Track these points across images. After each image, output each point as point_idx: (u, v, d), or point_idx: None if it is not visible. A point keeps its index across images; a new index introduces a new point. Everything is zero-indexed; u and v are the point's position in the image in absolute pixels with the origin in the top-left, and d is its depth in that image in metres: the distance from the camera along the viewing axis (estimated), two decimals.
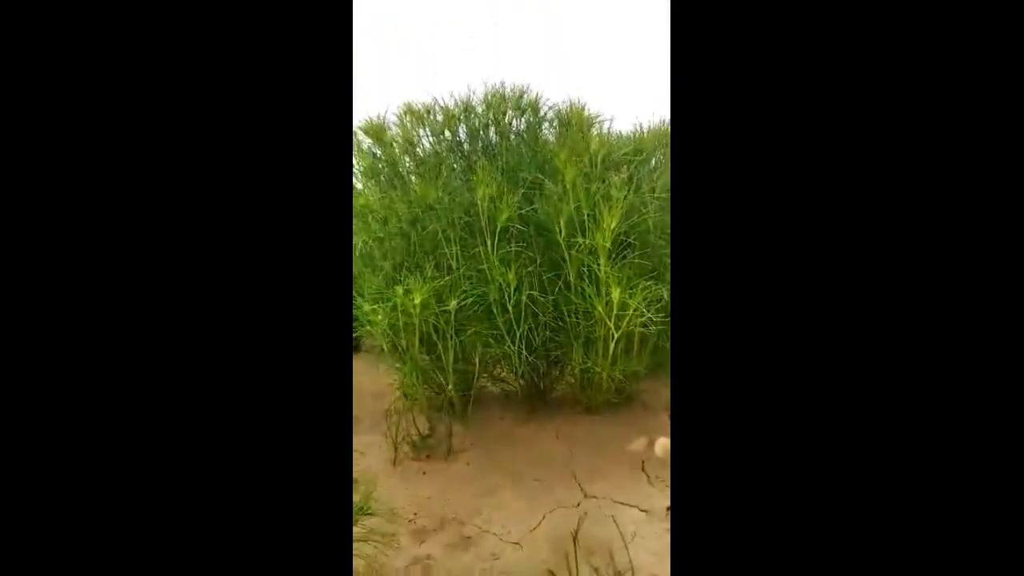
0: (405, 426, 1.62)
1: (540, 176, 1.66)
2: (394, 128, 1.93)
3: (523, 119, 1.89)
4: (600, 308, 1.52)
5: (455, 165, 1.85)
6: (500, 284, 1.55)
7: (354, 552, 1.07)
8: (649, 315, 1.48)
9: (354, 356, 2.24)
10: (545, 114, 1.91)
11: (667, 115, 1.85)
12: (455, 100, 1.89)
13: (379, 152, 1.92)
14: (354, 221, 1.65)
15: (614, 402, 1.74)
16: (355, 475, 1.44)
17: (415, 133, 1.90)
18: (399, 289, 1.48)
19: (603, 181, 1.68)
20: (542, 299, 1.57)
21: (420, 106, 1.93)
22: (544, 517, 1.29)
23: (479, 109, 1.88)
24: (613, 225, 1.54)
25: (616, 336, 1.54)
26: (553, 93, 1.92)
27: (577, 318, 1.59)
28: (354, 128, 1.91)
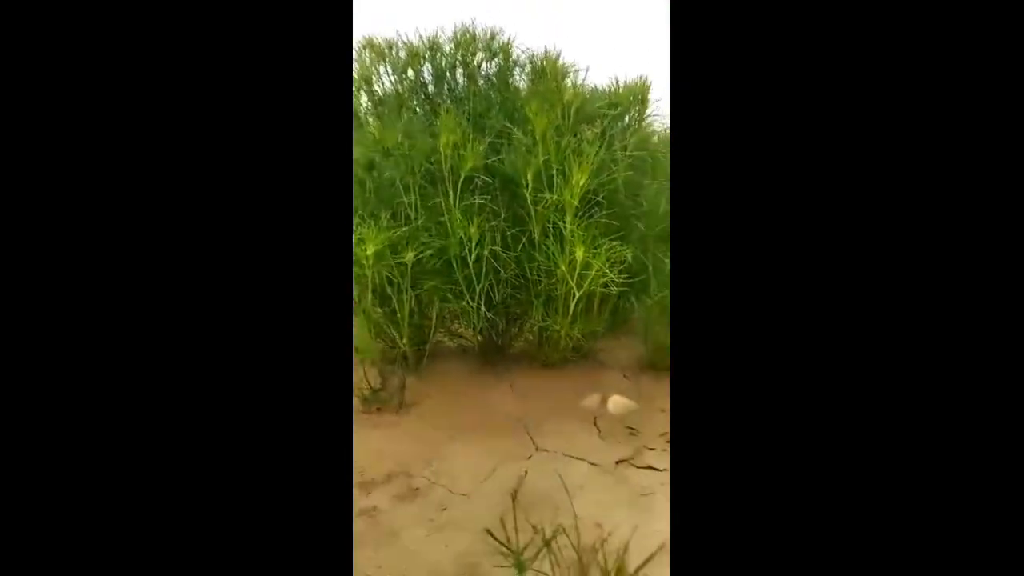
0: (355, 379, 1.58)
1: (509, 125, 1.58)
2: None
3: (493, 62, 1.78)
4: (563, 267, 1.50)
5: (417, 108, 1.73)
6: (461, 238, 1.49)
7: None
8: (611, 276, 1.47)
9: None
10: (517, 58, 1.80)
11: (650, 74, 1.79)
12: (420, 38, 1.75)
13: None
14: None
15: (571, 360, 1.76)
16: None
17: (374, 70, 1.76)
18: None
19: (575, 135, 1.61)
20: (504, 255, 1.53)
21: (382, 41, 1.78)
22: (495, 469, 1.30)
23: (447, 48, 1.75)
24: (582, 182, 1.50)
25: (577, 296, 1.53)
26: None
27: (539, 275, 1.57)
28: None
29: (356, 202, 1.54)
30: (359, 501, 1.19)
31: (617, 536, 1.06)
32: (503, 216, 1.54)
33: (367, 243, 1.40)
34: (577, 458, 1.36)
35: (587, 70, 1.77)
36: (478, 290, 1.54)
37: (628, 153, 1.64)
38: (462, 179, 1.50)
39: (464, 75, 1.77)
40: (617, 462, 1.35)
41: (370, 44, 1.78)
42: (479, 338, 1.76)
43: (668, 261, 1.59)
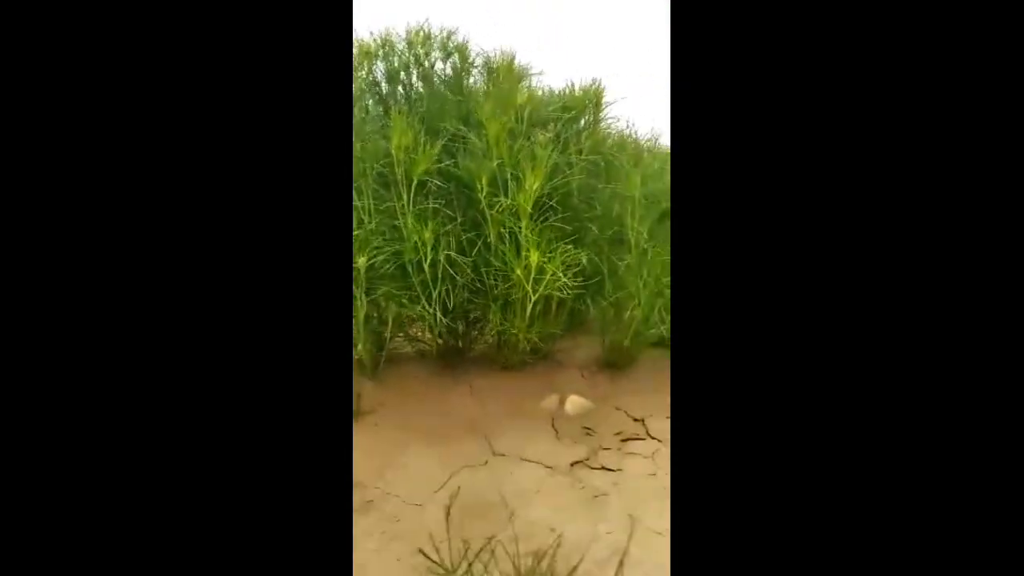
0: None
1: (463, 128, 1.57)
2: None
3: (448, 63, 1.75)
4: (519, 271, 1.50)
5: (369, 108, 1.69)
6: (416, 242, 1.47)
7: None
8: (565, 280, 1.49)
9: None
10: (473, 60, 1.78)
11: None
12: (372, 35, 1.71)
13: None
14: None
15: (530, 361, 1.77)
16: None
17: None
18: None
19: (528, 138, 1.61)
20: (460, 260, 1.52)
21: None
22: (450, 477, 1.30)
23: (400, 47, 1.72)
24: (536, 186, 1.50)
25: (533, 299, 1.54)
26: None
27: (496, 279, 1.57)
28: None
29: None
30: None
31: (568, 541, 1.08)
32: (459, 220, 1.53)
33: None
34: (533, 461, 1.37)
35: (542, 74, 1.77)
36: (434, 295, 1.52)
37: (582, 157, 1.66)
38: (415, 183, 1.48)
39: (419, 76, 1.74)
40: (572, 464, 1.37)
41: None
42: (438, 342, 1.74)
43: (621, 264, 1.62)
